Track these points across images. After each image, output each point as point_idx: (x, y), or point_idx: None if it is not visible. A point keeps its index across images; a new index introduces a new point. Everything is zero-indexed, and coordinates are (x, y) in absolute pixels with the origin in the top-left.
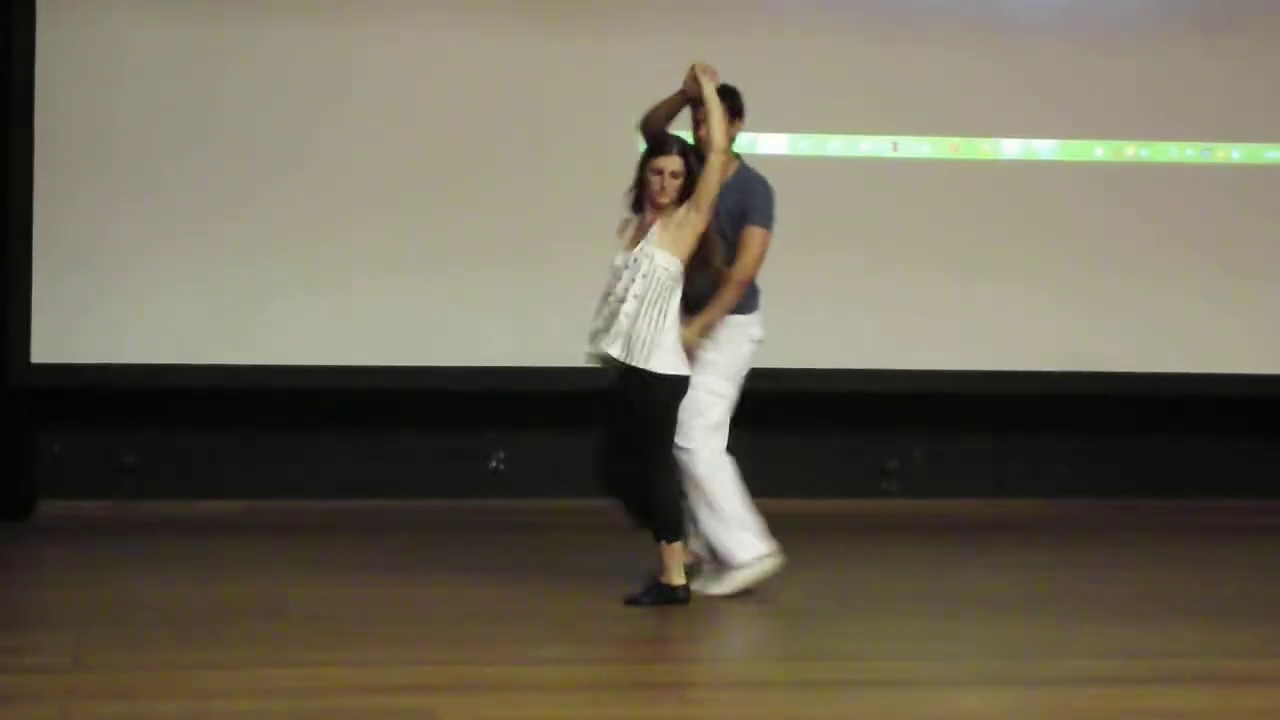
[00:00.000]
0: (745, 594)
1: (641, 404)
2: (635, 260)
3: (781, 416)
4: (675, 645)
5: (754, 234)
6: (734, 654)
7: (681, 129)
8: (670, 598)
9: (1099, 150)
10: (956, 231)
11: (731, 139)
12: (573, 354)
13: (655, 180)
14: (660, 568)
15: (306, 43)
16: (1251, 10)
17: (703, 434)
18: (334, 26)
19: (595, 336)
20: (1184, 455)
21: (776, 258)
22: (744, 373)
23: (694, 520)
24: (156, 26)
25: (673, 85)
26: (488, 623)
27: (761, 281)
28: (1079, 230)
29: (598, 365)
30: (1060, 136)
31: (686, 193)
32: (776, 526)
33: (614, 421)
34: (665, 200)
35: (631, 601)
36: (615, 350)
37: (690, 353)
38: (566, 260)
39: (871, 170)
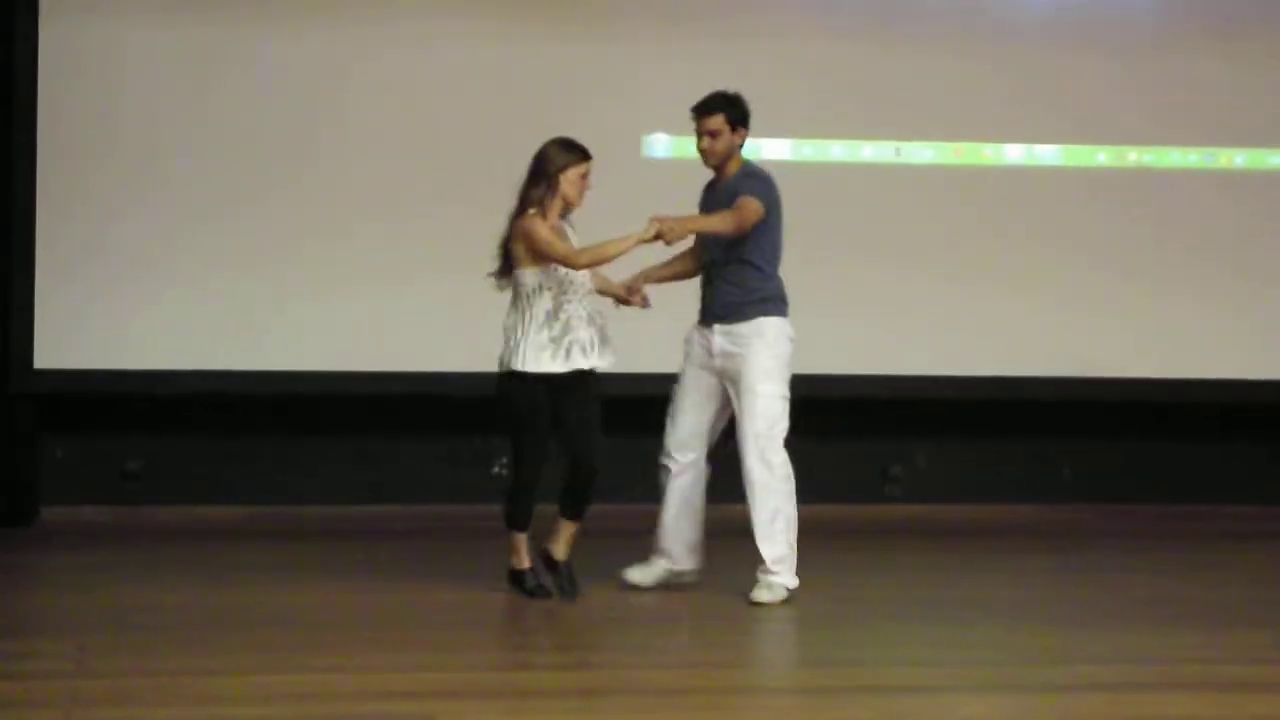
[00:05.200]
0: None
1: None
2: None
3: None
4: (678, 651)
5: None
6: (737, 660)
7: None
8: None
9: (1101, 155)
10: (959, 236)
11: (739, 144)
12: None
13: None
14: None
15: (309, 47)
16: (1255, 16)
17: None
18: (336, 31)
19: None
20: (1188, 460)
21: (781, 262)
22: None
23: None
24: (159, 31)
25: (670, 92)
26: (490, 628)
27: None
28: (1081, 235)
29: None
30: (1063, 142)
31: None
32: None
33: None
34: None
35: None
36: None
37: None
38: None
39: (874, 175)
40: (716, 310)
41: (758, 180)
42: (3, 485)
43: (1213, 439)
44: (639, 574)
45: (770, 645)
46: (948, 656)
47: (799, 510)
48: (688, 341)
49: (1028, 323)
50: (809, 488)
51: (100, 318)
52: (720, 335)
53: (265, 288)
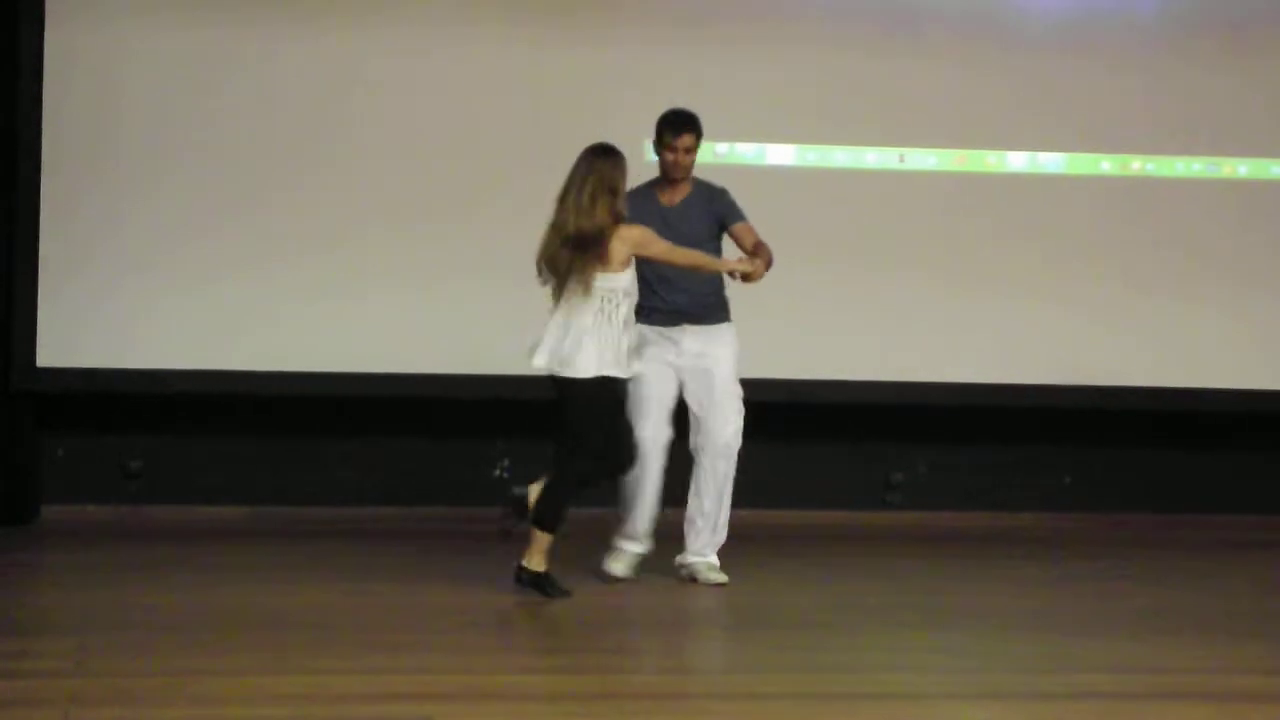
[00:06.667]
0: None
1: None
2: None
3: (786, 427)
4: (677, 656)
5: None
6: (735, 665)
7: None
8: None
9: (1105, 164)
10: (962, 244)
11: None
12: None
13: None
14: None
15: (312, 51)
16: (1259, 25)
17: None
18: (340, 35)
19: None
20: (1189, 469)
21: (782, 268)
22: None
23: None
24: (163, 34)
25: (676, 97)
26: (490, 631)
27: (767, 291)
28: (1085, 244)
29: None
30: (1067, 150)
31: None
32: (780, 537)
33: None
34: None
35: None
36: None
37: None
38: None
39: (878, 182)
40: (692, 311)
41: (734, 200)
42: (4, 483)
43: (1214, 448)
44: (620, 566)
45: (767, 650)
46: (946, 664)
47: (802, 514)
48: (643, 340)
49: (1030, 330)
50: (810, 494)
51: (103, 317)
52: (692, 335)
53: (267, 288)
